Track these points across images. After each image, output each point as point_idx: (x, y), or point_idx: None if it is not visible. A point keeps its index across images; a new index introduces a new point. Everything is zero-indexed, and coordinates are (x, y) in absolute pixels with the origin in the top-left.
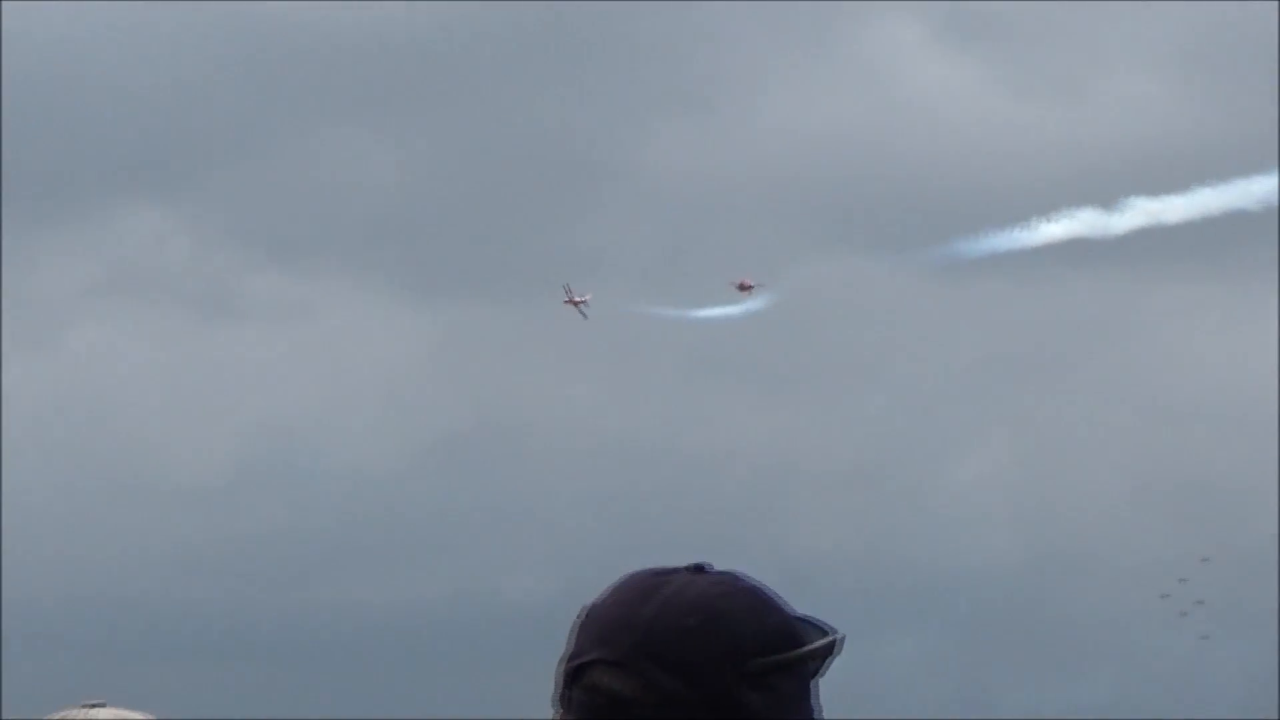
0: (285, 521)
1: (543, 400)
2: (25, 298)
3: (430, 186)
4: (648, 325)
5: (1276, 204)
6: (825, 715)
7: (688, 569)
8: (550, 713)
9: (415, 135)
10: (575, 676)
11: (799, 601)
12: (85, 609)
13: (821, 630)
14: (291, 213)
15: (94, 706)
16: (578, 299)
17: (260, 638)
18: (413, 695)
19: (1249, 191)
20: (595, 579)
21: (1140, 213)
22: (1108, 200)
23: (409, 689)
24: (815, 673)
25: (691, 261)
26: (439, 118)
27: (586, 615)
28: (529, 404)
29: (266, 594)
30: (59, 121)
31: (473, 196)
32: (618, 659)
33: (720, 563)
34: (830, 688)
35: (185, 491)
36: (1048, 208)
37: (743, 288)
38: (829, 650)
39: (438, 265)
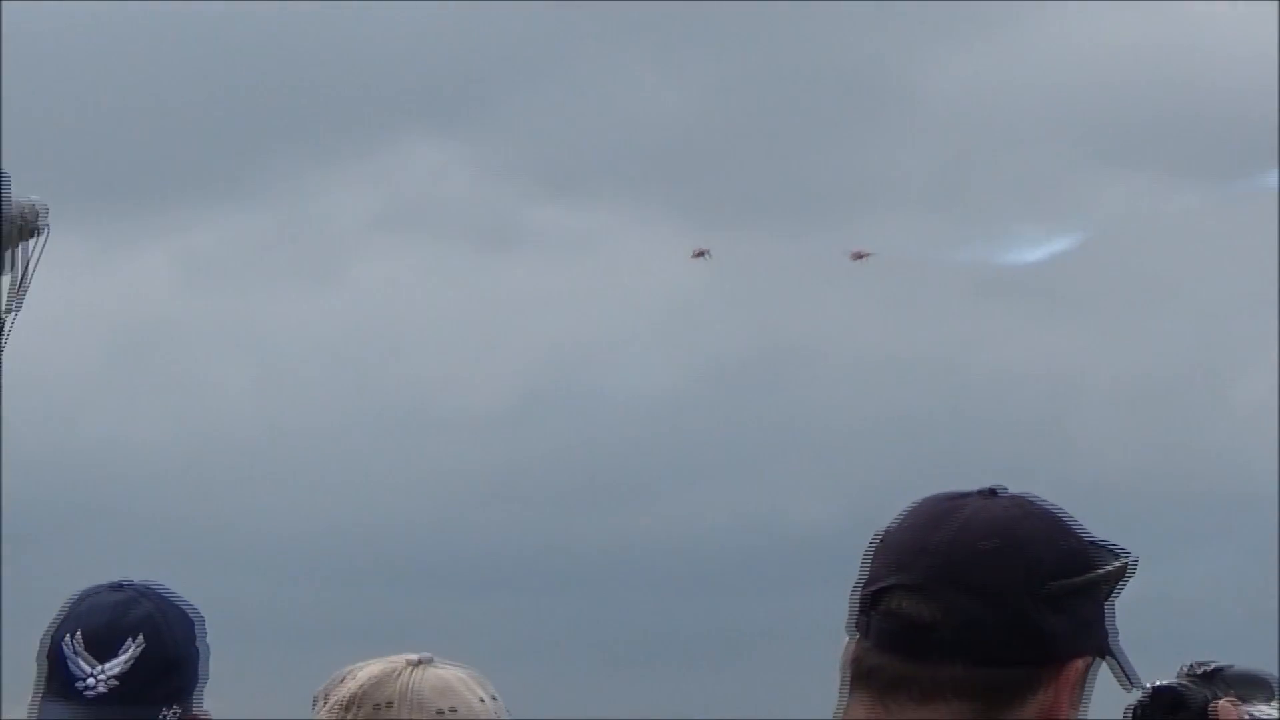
0: (568, 450)
1: (825, 324)
2: (309, 232)
3: (709, 115)
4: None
5: None
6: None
7: (980, 493)
8: (842, 639)
9: (694, 64)
10: (872, 602)
11: (1089, 522)
12: (372, 541)
13: (1114, 553)
14: (572, 144)
15: (419, 664)
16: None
17: (546, 566)
18: (696, 622)
19: None
20: (881, 504)
21: None
22: None
23: (694, 616)
24: (1108, 595)
25: (977, 188)
26: (718, 46)
27: (881, 540)
28: (811, 328)
29: (551, 522)
30: (341, 56)
31: (752, 124)
32: (917, 583)
33: (1009, 485)
34: (1123, 611)
35: (469, 422)
36: None
37: (856, 256)
38: (1123, 573)
39: (717, 193)
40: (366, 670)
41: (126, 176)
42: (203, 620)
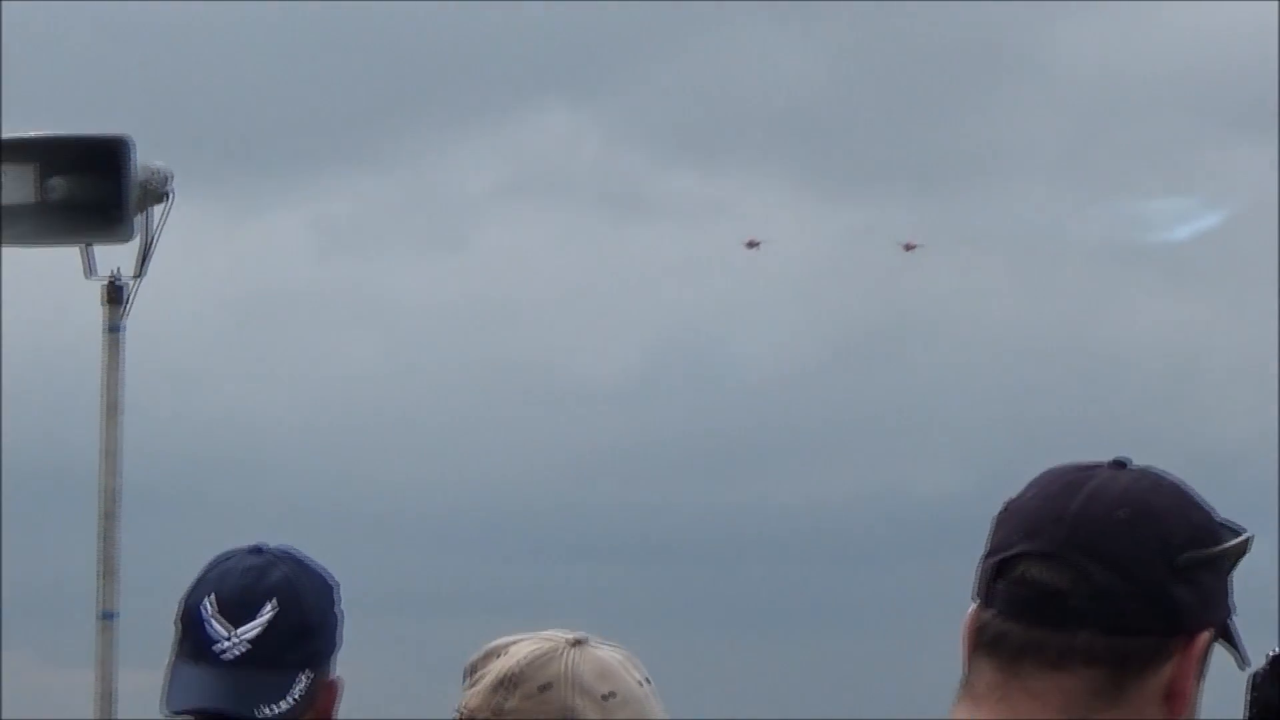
0: (695, 422)
1: (951, 295)
2: (437, 200)
3: (840, 81)
4: (1058, 216)
5: None
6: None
7: (1109, 464)
8: (967, 606)
9: (825, 29)
10: (1000, 570)
11: (1216, 495)
12: (495, 511)
13: (1232, 530)
14: (702, 111)
15: (578, 644)
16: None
17: (669, 538)
18: (822, 594)
19: None
20: (1007, 475)
21: None
22: None
23: (819, 588)
24: (1229, 570)
25: (1106, 158)
26: (848, 10)
27: (1007, 510)
28: (938, 299)
29: (675, 494)
30: (472, 22)
31: (883, 90)
32: (1048, 551)
33: (1136, 457)
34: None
35: (594, 393)
36: None
37: (908, 248)
38: (1245, 548)
39: (847, 161)
40: (524, 648)
41: (257, 143)
42: (339, 586)
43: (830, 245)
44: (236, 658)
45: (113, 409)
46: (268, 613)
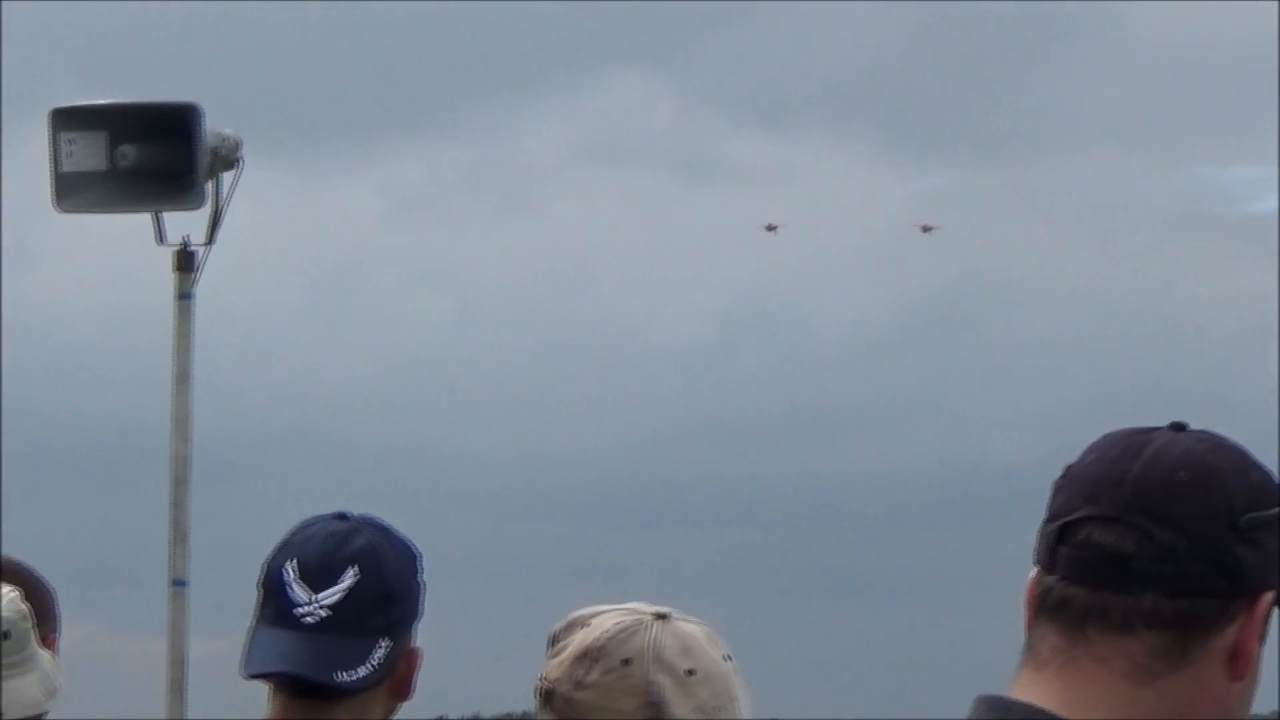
0: (767, 386)
1: (1027, 258)
2: (510, 166)
3: (912, 46)
4: (1128, 180)
5: None
6: None
7: (1167, 427)
8: (1028, 571)
9: None
10: (1062, 535)
11: None
12: (568, 475)
13: None
14: (774, 76)
15: (662, 618)
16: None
17: (742, 502)
18: (894, 557)
19: None
20: (1082, 439)
21: None
22: None
23: (892, 551)
24: None
25: (1179, 124)
26: None
27: (1067, 475)
28: (1013, 262)
29: (748, 458)
30: None
31: (956, 55)
32: (1111, 514)
33: (1210, 417)
34: None
35: (669, 356)
36: None
37: (925, 229)
38: None
39: (921, 126)
40: (607, 620)
41: (329, 110)
42: (421, 555)
43: (905, 208)
44: (316, 622)
45: (183, 376)
46: (349, 579)
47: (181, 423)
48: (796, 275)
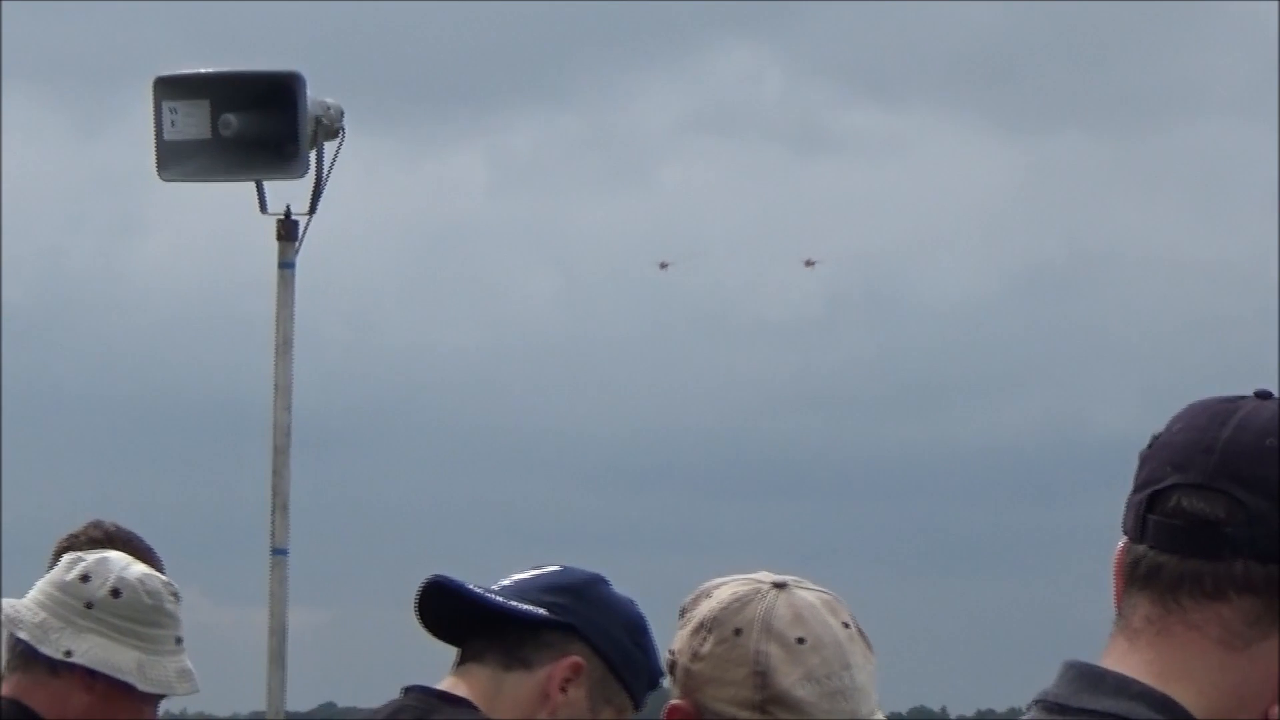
0: (873, 357)
1: (1133, 228)
2: (619, 136)
3: (1022, 17)
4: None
5: None
6: None
7: (1254, 395)
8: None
9: None
10: (1151, 504)
11: None
12: (672, 446)
13: None
14: (884, 48)
15: (780, 587)
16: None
17: (847, 473)
18: (1000, 527)
19: None
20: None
21: None
22: None
23: (997, 521)
24: None
25: None
26: None
27: (1153, 444)
28: (1119, 232)
29: (854, 429)
30: None
31: (1065, 27)
32: (1199, 482)
33: None
34: None
35: (776, 326)
36: None
37: (808, 264)
38: None
39: (1029, 96)
40: (726, 590)
41: (438, 79)
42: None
43: (1013, 178)
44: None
45: (285, 345)
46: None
47: (283, 391)
48: (903, 246)
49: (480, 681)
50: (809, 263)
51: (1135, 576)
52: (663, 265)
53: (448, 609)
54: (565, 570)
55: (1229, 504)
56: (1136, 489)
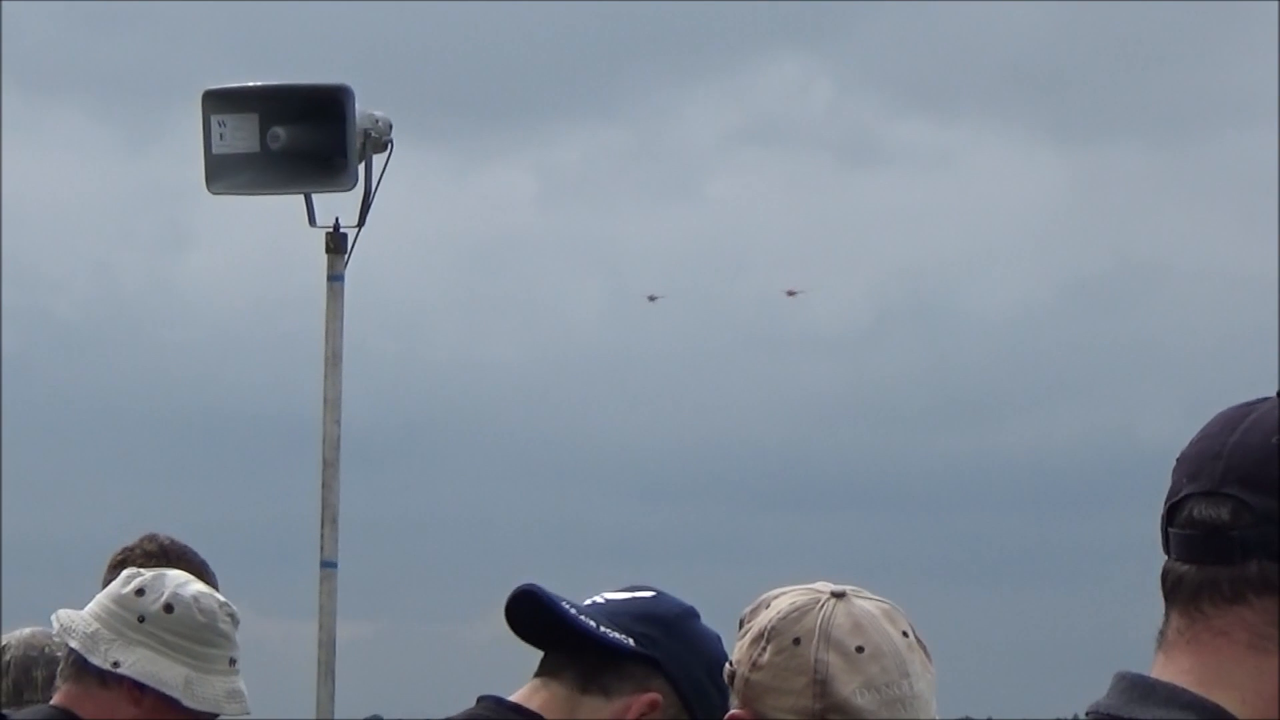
0: (921, 369)
1: (1182, 239)
2: (667, 148)
3: (1071, 30)
4: None
5: None
6: None
7: (1275, 397)
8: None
9: None
10: (1170, 517)
11: None
12: (724, 459)
13: None
14: (933, 59)
15: (839, 597)
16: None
17: (895, 485)
18: (1047, 541)
19: None
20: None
21: None
22: None
23: (1044, 535)
24: None
25: None
26: None
27: (1178, 458)
28: (1168, 244)
29: (902, 442)
30: None
31: (1114, 39)
32: (1208, 488)
33: None
34: None
35: (823, 339)
36: None
37: (790, 294)
38: None
39: (1078, 107)
40: (785, 600)
41: (486, 92)
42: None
43: (1061, 190)
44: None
45: (334, 358)
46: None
47: (332, 404)
48: (952, 258)
49: (556, 700)
50: (790, 292)
51: (1165, 590)
52: (651, 298)
53: (538, 618)
54: (659, 598)
55: (1235, 506)
56: (1164, 504)
